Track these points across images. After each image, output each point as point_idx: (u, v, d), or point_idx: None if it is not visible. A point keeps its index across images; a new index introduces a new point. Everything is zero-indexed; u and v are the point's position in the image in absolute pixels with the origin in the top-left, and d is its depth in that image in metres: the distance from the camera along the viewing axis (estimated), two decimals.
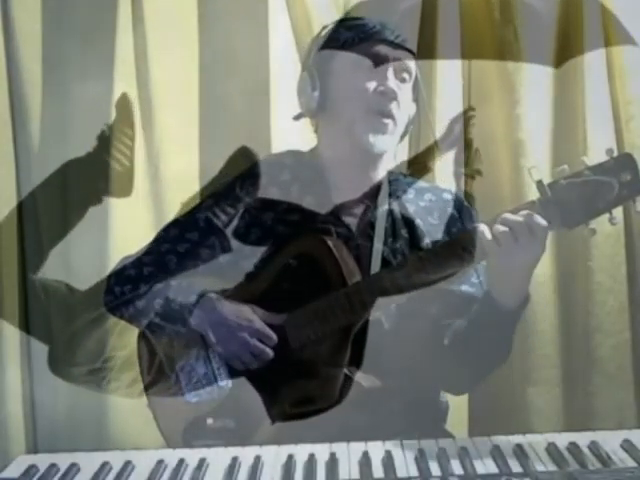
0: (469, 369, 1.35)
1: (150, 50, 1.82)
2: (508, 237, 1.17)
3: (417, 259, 1.25)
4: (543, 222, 1.16)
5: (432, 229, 1.41)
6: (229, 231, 1.40)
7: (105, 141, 1.87)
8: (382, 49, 1.38)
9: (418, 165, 1.78)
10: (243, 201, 1.41)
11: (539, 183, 1.19)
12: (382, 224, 1.40)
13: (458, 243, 1.23)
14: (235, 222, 1.40)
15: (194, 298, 1.34)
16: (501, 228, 1.18)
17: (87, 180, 1.88)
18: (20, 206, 1.84)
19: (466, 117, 1.87)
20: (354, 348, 1.27)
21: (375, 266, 1.35)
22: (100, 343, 1.80)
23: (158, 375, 1.40)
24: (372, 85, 1.37)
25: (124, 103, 1.85)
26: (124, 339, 1.73)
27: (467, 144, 1.87)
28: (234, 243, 1.39)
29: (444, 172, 1.82)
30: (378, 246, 1.37)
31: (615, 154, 1.17)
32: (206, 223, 1.41)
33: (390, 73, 1.38)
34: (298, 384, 1.29)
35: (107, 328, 1.76)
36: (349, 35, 1.39)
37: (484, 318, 1.29)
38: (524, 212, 1.18)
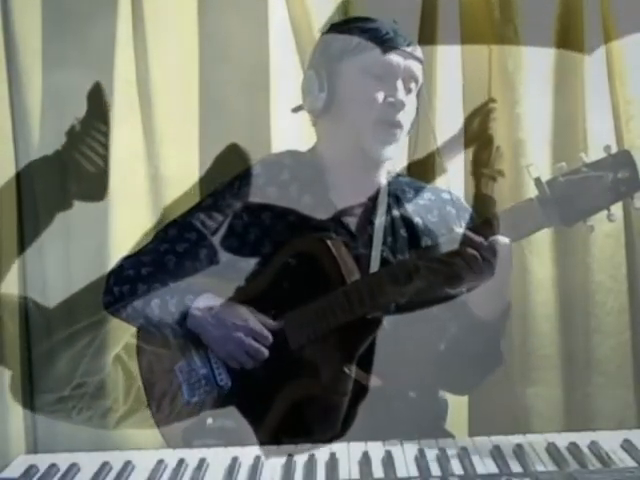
0: (465, 374, 1.36)
1: (150, 50, 1.82)
2: (475, 258, 1.18)
3: (425, 268, 1.23)
4: (505, 241, 1.18)
5: (431, 228, 1.42)
6: (222, 233, 1.39)
7: (75, 138, 1.75)
8: (394, 58, 1.36)
9: (425, 167, 1.74)
10: (240, 203, 1.41)
11: (537, 180, 1.19)
12: (381, 224, 1.40)
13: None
14: (227, 225, 1.40)
15: (179, 315, 1.32)
16: (468, 250, 1.18)
17: (56, 182, 1.80)
18: (20, 206, 1.84)
19: (486, 110, 1.80)
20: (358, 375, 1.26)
21: (374, 265, 1.35)
22: (70, 367, 1.67)
23: (136, 404, 1.37)
24: (381, 95, 1.36)
25: (96, 94, 1.73)
26: (97, 363, 1.64)
27: (487, 141, 1.80)
28: (234, 240, 1.39)
29: (461, 173, 1.81)
30: (377, 245, 1.37)
31: (613, 151, 1.17)
32: (202, 224, 1.41)
33: (399, 84, 1.37)
34: (296, 414, 1.27)
35: (78, 350, 1.65)
36: (361, 39, 1.37)
37: (467, 328, 1.30)
38: (486, 234, 1.18)
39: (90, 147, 1.74)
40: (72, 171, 1.79)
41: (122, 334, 1.63)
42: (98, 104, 1.76)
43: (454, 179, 1.79)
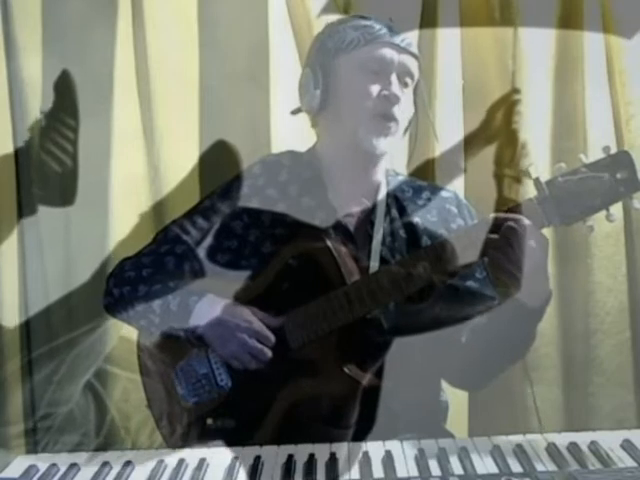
0: (487, 365, 1.36)
1: (150, 51, 1.82)
2: (510, 236, 1.18)
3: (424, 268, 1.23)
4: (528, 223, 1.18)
5: (431, 227, 1.42)
6: (221, 234, 1.39)
7: (40, 134, 1.59)
8: (387, 53, 1.37)
9: (426, 166, 1.72)
10: (239, 203, 1.41)
11: (536, 180, 1.20)
12: (380, 223, 1.40)
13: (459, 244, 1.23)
14: (226, 226, 1.39)
15: (182, 316, 1.31)
16: (501, 229, 1.18)
17: (17, 184, 1.69)
18: (20, 205, 1.84)
19: (510, 102, 1.72)
20: (363, 407, 1.25)
21: (374, 265, 1.35)
22: (35, 396, 1.54)
23: (110, 437, 1.31)
24: (376, 89, 1.36)
25: (64, 85, 1.57)
26: (65, 391, 1.52)
27: (511, 137, 1.72)
28: (234, 241, 1.39)
29: (477, 174, 1.80)
30: (376, 246, 1.37)
31: (612, 151, 1.17)
32: (202, 226, 1.41)
33: (394, 77, 1.37)
34: (297, 414, 1.26)
35: (44, 376, 1.52)
36: (355, 35, 1.38)
37: (507, 316, 1.29)
38: (514, 215, 1.19)
39: (57, 144, 1.60)
40: (37, 171, 1.68)
41: (93, 359, 1.53)
42: (66, 96, 1.62)
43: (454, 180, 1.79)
